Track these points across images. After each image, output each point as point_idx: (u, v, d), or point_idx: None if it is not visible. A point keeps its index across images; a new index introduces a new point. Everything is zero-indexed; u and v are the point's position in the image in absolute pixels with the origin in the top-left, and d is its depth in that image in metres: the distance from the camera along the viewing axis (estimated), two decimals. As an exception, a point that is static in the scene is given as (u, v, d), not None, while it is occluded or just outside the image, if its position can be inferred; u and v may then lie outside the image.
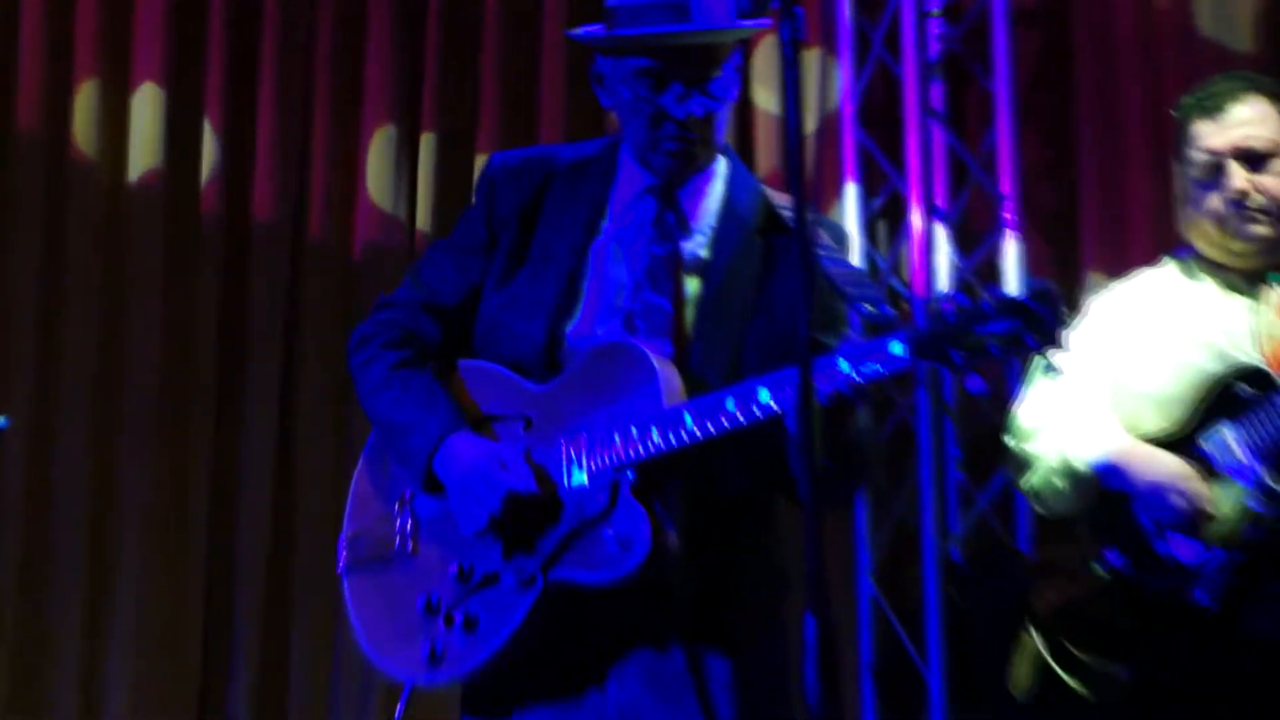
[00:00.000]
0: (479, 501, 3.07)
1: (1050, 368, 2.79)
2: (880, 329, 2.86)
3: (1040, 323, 2.71)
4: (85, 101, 5.58)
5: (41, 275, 5.51)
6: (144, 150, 5.56)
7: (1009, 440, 3.89)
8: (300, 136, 5.67)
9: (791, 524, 3.41)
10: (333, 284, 5.68)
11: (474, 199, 3.37)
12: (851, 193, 5.74)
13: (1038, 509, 3.85)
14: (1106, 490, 3.69)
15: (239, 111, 5.66)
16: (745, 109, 5.71)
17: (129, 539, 5.43)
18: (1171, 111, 3.91)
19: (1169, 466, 3.60)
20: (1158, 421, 3.71)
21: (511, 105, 5.74)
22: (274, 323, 5.61)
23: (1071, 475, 3.72)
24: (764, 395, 2.91)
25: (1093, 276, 5.45)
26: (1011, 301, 2.74)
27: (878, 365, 2.83)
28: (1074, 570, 3.71)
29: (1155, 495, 3.59)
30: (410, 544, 3.22)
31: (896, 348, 2.82)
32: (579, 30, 3.29)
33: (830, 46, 5.63)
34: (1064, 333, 2.74)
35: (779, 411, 2.90)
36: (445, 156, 5.71)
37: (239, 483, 5.55)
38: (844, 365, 2.85)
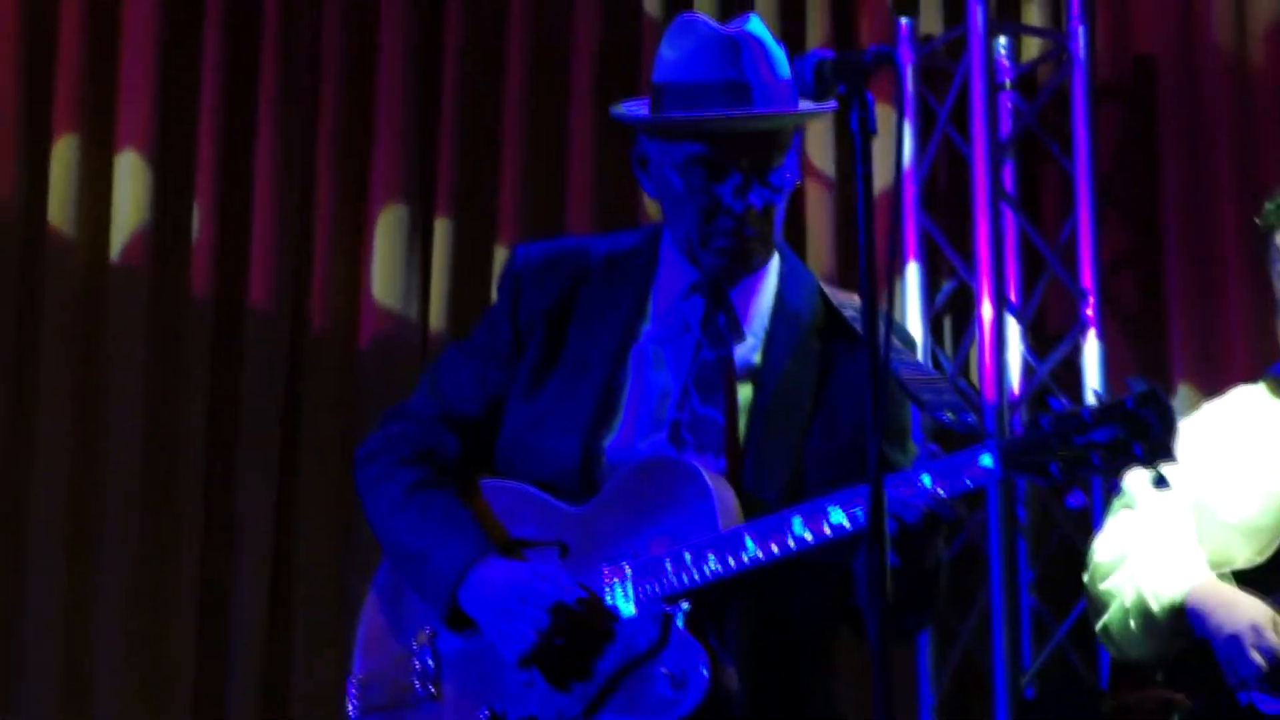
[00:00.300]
0: (523, 619, 3.01)
1: (1161, 480, 2.78)
2: (963, 439, 2.87)
3: (1147, 430, 2.70)
4: (61, 167, 5.58)
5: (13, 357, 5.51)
6: (127, 223, 5.57)
7: (1085, 578, 3.90)
8: (301, 214, 5.69)
9: (845, 659, 3.43)
10: (335, 379, 5.69)
11: (497, 296, 3.33)
12: (914, 283, 5.75)
13: (1115, 654, 3.82)
14: (1183, 634, 3.69)
15: (232, 184, 5.67)
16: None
17: (105, 664, 5.42)
18: (1256, 220, 3.94)
19: (1249, 614, 3.59)
20: (1247, 553, 3.70)
21: (535, 189, 5.76)
22: (269, 421, 5.62)
23: (1147, 616, 3.69)
24: (836, 515, 2.88)
25: (1182, 385, 5.47)
26: (1115, 408, 2.73)
27: (966, 480, 2.82)
28: (1152, 718, 3.71)
29: (1234, 646, 3.58)
30: (432, 687, 3.16)
31: (986, 460, 2.80)
32: (623, 109, 3.26)
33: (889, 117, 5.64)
34: (1174, 439, 2.72)
35: (853, 532, 2.87)
36: (461, 243, 5.72)
37: (230, 603, 5.54)
38: (927, 480, 2.84)
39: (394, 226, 5.70)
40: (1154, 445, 2.72)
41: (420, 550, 3.16)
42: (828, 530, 2.90)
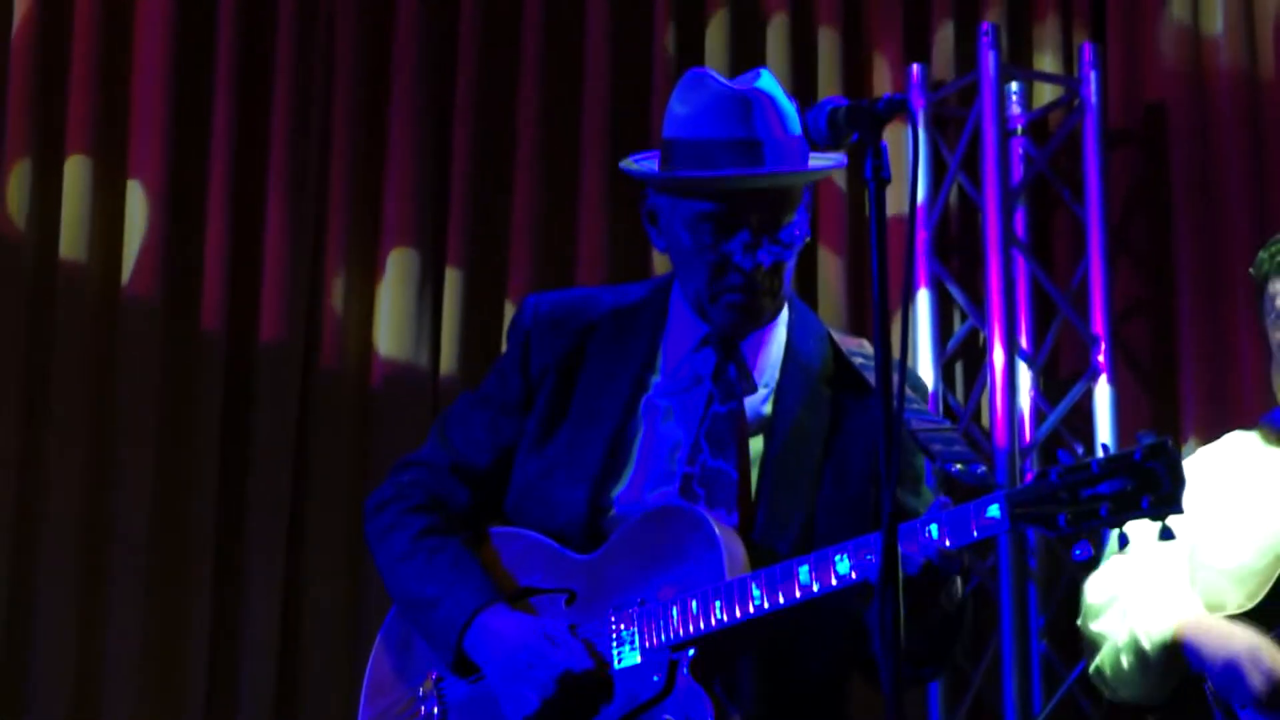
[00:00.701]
0: (529, 683, 3.02)
1: (1167, 533, 2.78)
2: (972, 490, 2.85)
3: (1156, 483, 2.70)
4: (73, 200, 5.58)
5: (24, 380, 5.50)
6: (139, 256, 5.57)
7: (1078, 621, 3.90)
8: (314, 252, 5.69)
9: (857, 704, 3.42)
10: (346, 415, 5.68)
11: (506, 347, 3.34)
12: (925, 328, 5.75)
13: (1109, 696, 3.82)
14: (1176, 672, 3.69)
15: (244, 219, 5.66)
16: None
17: (115, 707, 5.41)
18: (1250, 271, 3.95)
19: (1244, 641, 3.59)
20: (1238, 598, 3.69)
21: (546, 236, 5.74)
22: (280, 455, 5.60)
23: (1139, 655, 3.70)
24: (843, 565, 2.88)
25: (1194, 431, 5.46)
26: (1123, 460, 2.72)
27: (974, 531, 2.81)
28: None
29: (1232, 672, 3.59)
30: None
31: (994, 511, 2.80)
32: (633, 164, 3.26)
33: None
34: (1183, 492, 2.71)
35: (859, 582, 2.87)
36: (472, 291, 5.73)
37: (240, 642, 5.53)
38: (934, 531, 2.84)
39: (405, 270, 5.70)
40: (1162, 498, 2.72)
41: (428, 597, 3.17)
42: (834, 580, 2.90)
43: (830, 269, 5.73)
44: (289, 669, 5.52)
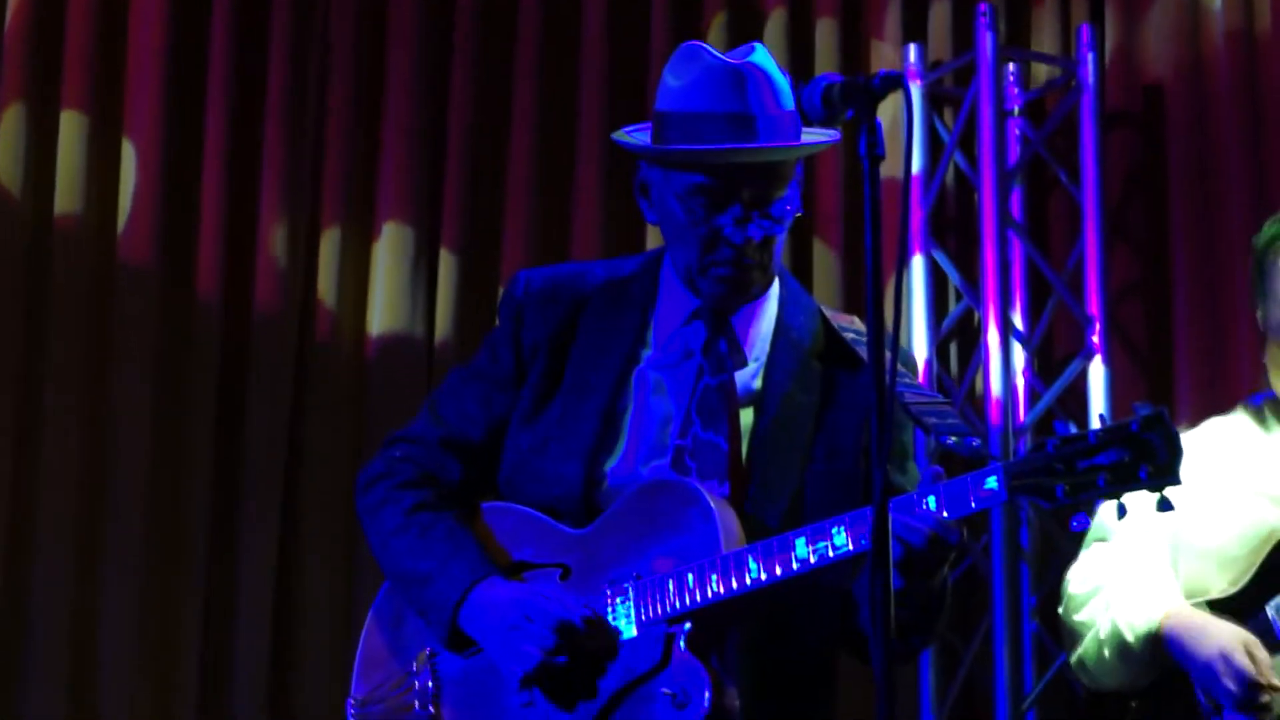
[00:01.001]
0: (528, 637, 3.02)
1: (1165, 504, 2.79)
2: (968, 463, 2.88)
3: (1153, 454, 2.71)
4: (68, 161, 5.57)
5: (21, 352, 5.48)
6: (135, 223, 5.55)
7: (1060, 610, 3.90)
8: (309, 223, 5.68)
9: (849, 682, 3.43)
10: (341, 388, 5.67)
11: (499, 321, 3.33)
12: (920, 309, 5.76)
13: (1090, 685, 3.81)
14: (1158, 663, 3.70)
15: (240, 188, 5.64)
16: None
17: (111, 674, 5.39)
18: (1253, 240, 3.94)
19: (1220, 640, 3.59)
20: (1221, 583, 3.69)
21: (540, 212, 5.75)
22: (276, 424, 5.58)
23: (1121, 646, 3.69)
24: (840, 537, 2.89)
25: (1188, 412, 5.46)
26: (1120, 431, 2.73)
27: (971, 502, 2.81)
28: None
29: (1210, 669, 3.57)
30: (431, 708, 3.17)
31: (992, 482, 2.80)
32: (628, 137, 3.26)
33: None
34: (1179, 464, 2.72)
35: (855, 554, 2.88)
36: (467, 263, 5.72)
37: (234, 618, 5.52)
38: (932, 503, 2.84)
39: (399, 243, 5.69)
40: (1159, 469, 2.72)
41: (422, 573, 3.16)
42: (831, 552, 2.90)
43: (826, 246, 5.74)
44: (283, 644, 5.53)
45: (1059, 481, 2.76)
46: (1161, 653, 3.66)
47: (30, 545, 5.40)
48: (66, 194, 5.51)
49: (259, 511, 5.54)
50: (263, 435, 5.57)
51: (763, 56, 3.16)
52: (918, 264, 5.76)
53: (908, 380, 3.14)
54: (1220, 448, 3.87)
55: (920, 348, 5.70)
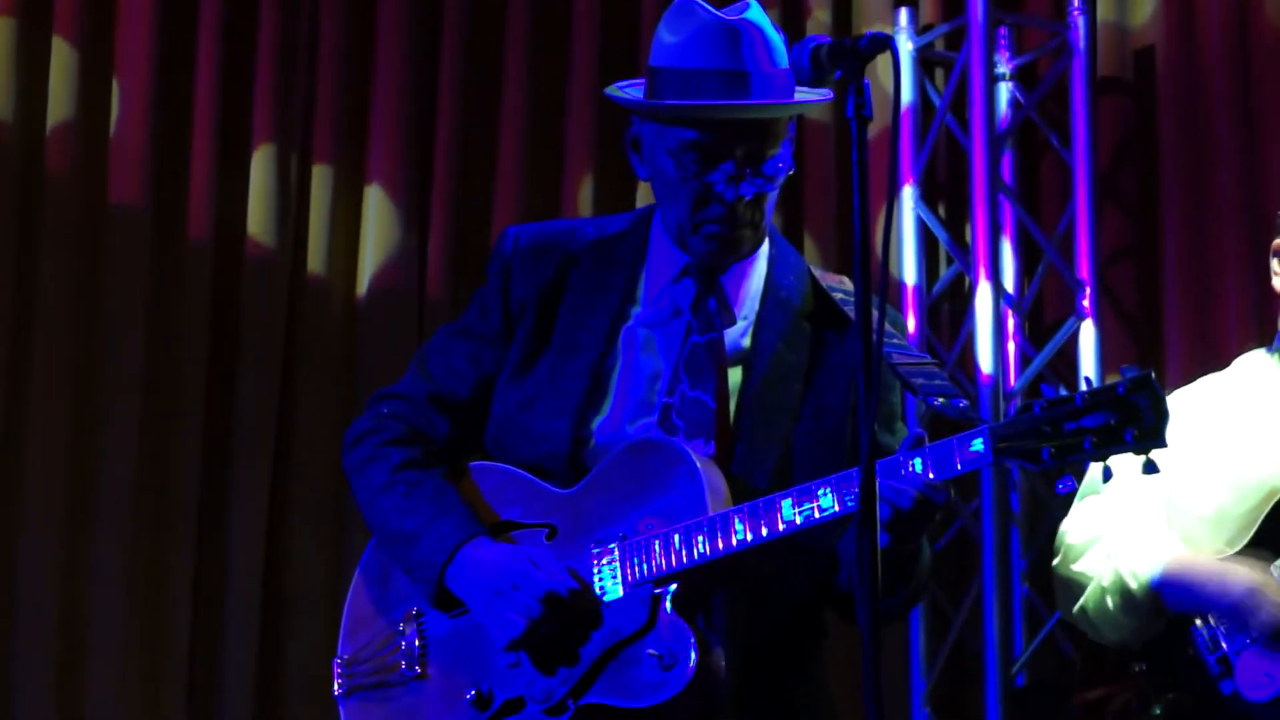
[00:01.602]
0: (514, 605, 3.01)
1: (1151, 466, 2.79)
2: (956, 424, 2.85)
3: (1139, 416, 2.69)
4: (59, 96, 5.54)
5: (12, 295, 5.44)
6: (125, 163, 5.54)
7: (1055, 562, 3.89)
8: (300, 166, 5.66)
9: (841, 648, 3.44)
10: (332, 329, 5.67)
11: (487, 278, 3.31)
12: (911, 272, 5.77)
13: (1091, 636, 3.79)
14: (1160, 614, 3.69)
15: (231, 125, 5.61)
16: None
17: (101, 633, 5.39)
18: None
19: (1249, 574, 3.55)
20: (1217, 543, 3.65)
21: (532, 160, 5.74)
22: (268, 365, 5.54)
23: (1125, 595, 3.67)
24: (826, 499, 2.88)
25: (1178, 376, 5.46)
26: (1107, 393, 2.72)
27: (958, 464, 2.81)
28: (1128, 711, 3.70)
29: (1243, 606, 3.55)
30: (418, 667, 3.16)
31: (978, 444, 2.79)
32: (621, 93, 3.24)
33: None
34: (1166, 426, 2.71)
35: (842, 515, 2.87)
36: (458, 208, 5.72)
37: (226, 535, 5.51)
38: (918, 465, 2.84)
39: (389, 183, 5.68)
40: (1145, 431, 2.71)
41: (408, 531, 3.15)
42: (817, 514, 2.90)
43: (817, 208, 5.75)
44: (279, 534, 5.53)
45: (1045, 444, 2.75)
46: (1165, 601, 3.65)
47: (19, 496, 5.36)
48: (57, 135, 5.48)
49: (250, 456, 5.52)
50: (254, 380, 5.55)
51: (757, 13, 3.15)
52: (908, 227, 5.75)
53: (896, 341, 3.13)
54: (1214, 407, 3.86)
55: (911, 312, 5.70)
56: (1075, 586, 3.79)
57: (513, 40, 5.77)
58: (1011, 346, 5.65)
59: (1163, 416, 2.71)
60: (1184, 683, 3.61)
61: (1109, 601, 3.70)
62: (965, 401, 2.93)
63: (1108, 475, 2.79)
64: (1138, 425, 2.71)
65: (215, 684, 5.48)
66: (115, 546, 5.39)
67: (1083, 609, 3.76)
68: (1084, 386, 2.78)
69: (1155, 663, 3.68)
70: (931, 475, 2.84)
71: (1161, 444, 2.72)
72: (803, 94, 3.13)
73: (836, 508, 2.88)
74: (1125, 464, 3.71)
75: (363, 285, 5.66)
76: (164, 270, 5.53)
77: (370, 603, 3.26)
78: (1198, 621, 3.62)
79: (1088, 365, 5.59)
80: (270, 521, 5.53)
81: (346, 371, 5.66)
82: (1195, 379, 5.33)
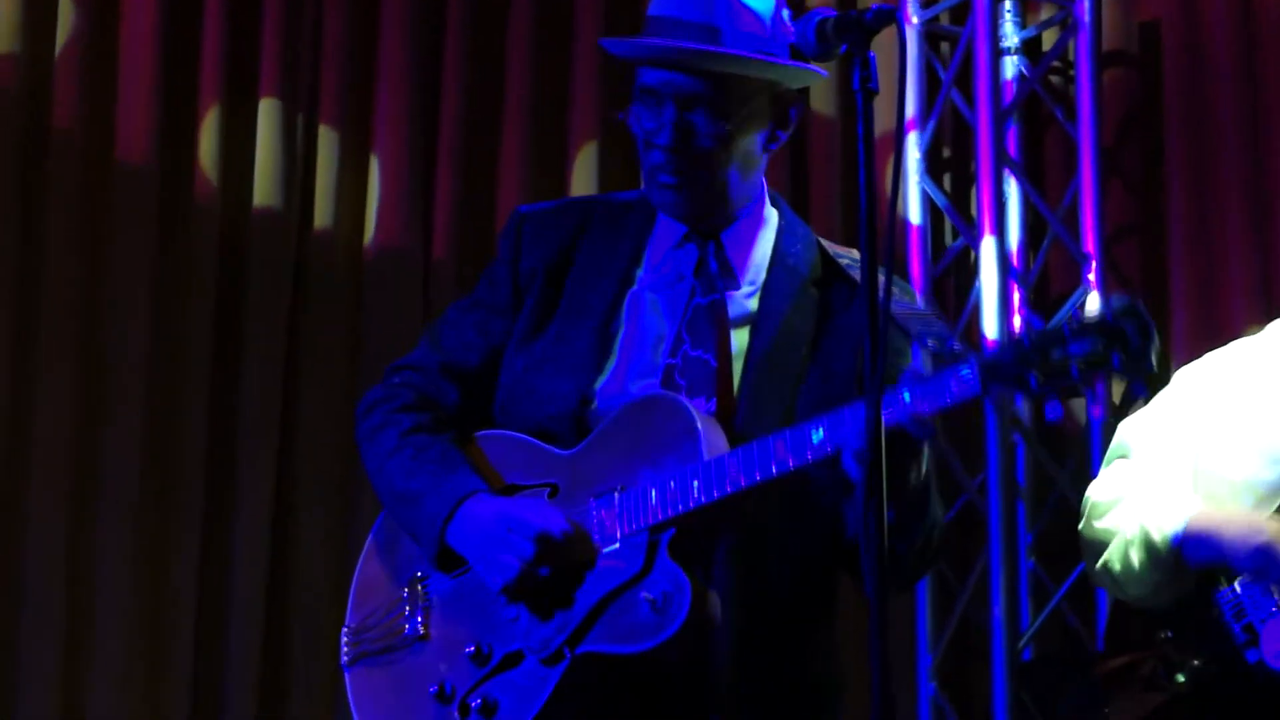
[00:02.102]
0: (507, 547, 3.03)
1: (1138, 390, 2.82)
2: (947, 363, 2.84)
3: (1125, 342, 2.70)
4: (69, 67, 5.47)
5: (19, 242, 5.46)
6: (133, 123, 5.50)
7: (1080, 525, 3.89)
8: (307, 124, 5.67)
9: (847, 622, 3.44)
10: (339, 288, 5.67)
11: (498, 251, 3.34)
12: (916, 247, 5.75)
13: (1114, 594, 3.79)
14: (1183, 571, 3.69)
15: (238, 84, 5.59)
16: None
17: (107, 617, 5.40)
18: None
19: (1274, 525, 3.61)
20: (1241, 510, 3.69)
21: (536, 123, 5.76)
22: (274, 324, 5.53)
23: (1149, 549, 3.63)
24: (817, 435, 2.89)
25: (1183, 349, 5.49)
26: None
27: (945, 393, 2.81)
28: (1153, 679, 3.70)
29: (1265, 554, 3.57)
30: (421, 629, 3.18)
31: (966, 372, 2.80)
32: (610, 39, 3.28)
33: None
34: (1153, 350, 2.73)
35: (833, 452, 2.88)
36: (465, 168, 5.72)
37: (233, 511, 5.52)
38: (907, 397, 2.83)
39: (395, 143, 5.69)
40: (1132, 355, 2.71)
41: (414, 491, 3.17)
42: (809, 454, 2.91)
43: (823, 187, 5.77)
44: (279, 582, 5.54)
45: (1033, 370, 2.77)
46: (1188, 554, 3.65)
47: (28, 462, 5.37)
48: (65, 93, 5.48)
49: (259, 413, 5.53)
50: (261, 336, 5.55)
51: None
52: (914, 201, 5.76)
53: (899, 297, 3.14)
54: (1246, 370, 3.84)
55: (917, 287, 5.71)
56: (1099, 544, 3.77)
57: (519, 2, 5.78)
58: (1017, 320, 5.65)
59: (1149, 341, 2.72)
60: (1209, 650, 3.59)
61: (1133, 556, 3.68)
62: (958, 343, 2.94)
63: (1138, 393, 2.80)
64: (1124, 350, 2.71)
65: (219, 676, 5.47)
66: (120, 527, 5.38)
67: (1106, 565, 3.75)
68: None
69: (1180, 630, 3.64)
70: (922, 407, 2.83)
71: (1149, 368, 2.74)
72: (754, 55, 3.11)
73: (828, 447, 2.89)
74: (1149, 429, 3.74)
75: (368, 245, 5.66)
76: (170, 230, 5.52)
77: (379, 570, 3.29)
78: (1224, 587, 3.62)
79: (1093, 339, 5.61)
80: (276, 508, 5.53)
81: (352, 335, 5.66)
82: (1201, 350, 5.36)
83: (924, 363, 2.84)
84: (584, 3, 5.80)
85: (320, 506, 5.55)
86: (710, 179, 3.15)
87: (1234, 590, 3.60)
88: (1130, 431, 3.77)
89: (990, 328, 5.53)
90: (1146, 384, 2.80)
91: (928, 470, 3.01)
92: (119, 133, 5.50)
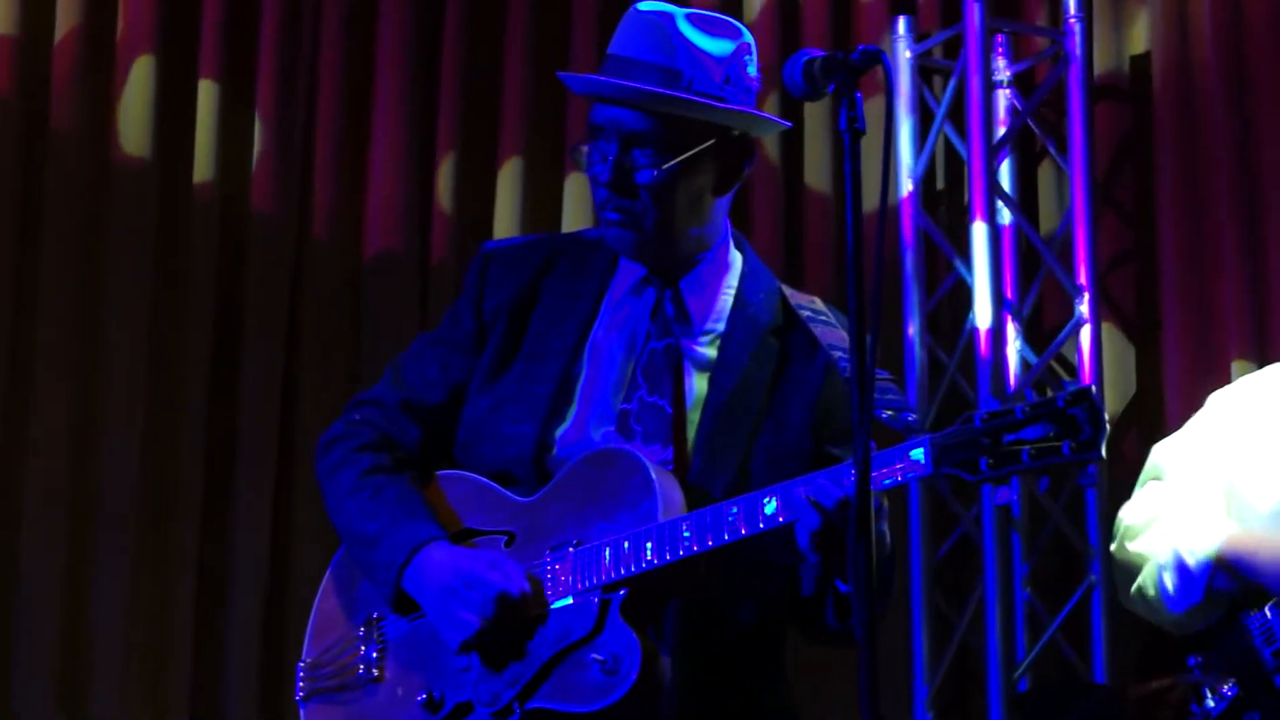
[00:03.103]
0: (466, 605, 3.03)
1: (1086, 477, 2.84)
2: (902, 435, 2.86)
3: (1077, 429, 2.71)
4: (65, 61, 5.51)
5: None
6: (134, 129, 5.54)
7: (1113, 547, 3.87)
8: (305, 122, 5.70)
9: (817, 655, 3.43)
10: (337, 287, 5.67)
11: (463, 288, 3.35)
12: (911, 280, 5.74)
13: (1148, 618, 3.79)
14: (1216, 595, 3.68)
15: (237, 77, 5.65)
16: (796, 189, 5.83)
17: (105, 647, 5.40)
18: None
19: None
20: (1274, 539, 3.64)
21: (537, 113, 5.78)
22: (273, 323, 5.55)
23: (1182, 572, 3.67)
24: (770, 506, 2.90)
25: (1177, 381, 5.49)
26: (1046, 406, 2.74)
27: (897, 473, 2.83)
28: (1183, 704, 3.68)
29: None
30: (375, 670, 3.19)
31: (918, 454, 2.81)
32: (568, 74, 3.32)
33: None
34: (1102, 439, 2.73)
35: (785, 523, 2.88)
36: (463, 165, 5.75)
37: (232, 501, 5.53)
38: None
39: (393, 147, 5.71)
40: (1082, 444, 2.73)
41: (371, 534, 3.17)
42: (762, 523, 2.91)
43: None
44: (278, 585, 5.53)
45: (984, 455, 2.78)
46: (1221, 577, 3.64)
47: (25, 464, 5.36)
48: (62, 92, 5.50)
49: (257, 403, 5.55)
50: (261, 331, 5.56)
51: (684, 23, 3.17)
52: (908, 236, 5.76)
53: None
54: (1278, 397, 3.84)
55: (911, 319, 5.71)
56: (1132, 567, 3.77)
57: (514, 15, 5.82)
58: (1011, 352, 5.65)
59: (1099, 430, 2.74)
60: (1239, 675, 3.61)
61: (1167, 579, 3.69)
62: (913, 416, 2.95)
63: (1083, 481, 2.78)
64: (1075, 438, 2.74)
65: (218, 683, 5.47)
66: (119, 533, 5.38)
67: (1140, 590, 3.75)
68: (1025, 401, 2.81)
69: (1211, 655, 3.66)
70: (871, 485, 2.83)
71: (1097, 456, 2.76)
72: (690, 97, 3.12)
73: (781, 517, 2.89)
74: (1182, 452, 3.73)
75: (368, 245, 5.68)
76: (169, 226, 5.54)
77: (336, 607, 3.29)
78: (1255, 611, 3.62)
79: (1087, 370, 5.60)
80: (275, 513, 5.53)
81: (351, 336, 5.67)
82: (1195, 381, 5.38)
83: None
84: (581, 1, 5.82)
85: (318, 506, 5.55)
86: (655, 217, 3.16)
87: (1265, 615, 3.60)
88: (1164, 454, 3.79)
89: (985, 361, 5.51)
90: (1095, 470, 2.82)
91: (883, 538, 3.02)
92: (118, 129, 5.51)
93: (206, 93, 5.60)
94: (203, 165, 5.57)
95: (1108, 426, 2.75)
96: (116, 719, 5.35)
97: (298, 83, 5.68)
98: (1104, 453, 2.74)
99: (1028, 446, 2.75)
